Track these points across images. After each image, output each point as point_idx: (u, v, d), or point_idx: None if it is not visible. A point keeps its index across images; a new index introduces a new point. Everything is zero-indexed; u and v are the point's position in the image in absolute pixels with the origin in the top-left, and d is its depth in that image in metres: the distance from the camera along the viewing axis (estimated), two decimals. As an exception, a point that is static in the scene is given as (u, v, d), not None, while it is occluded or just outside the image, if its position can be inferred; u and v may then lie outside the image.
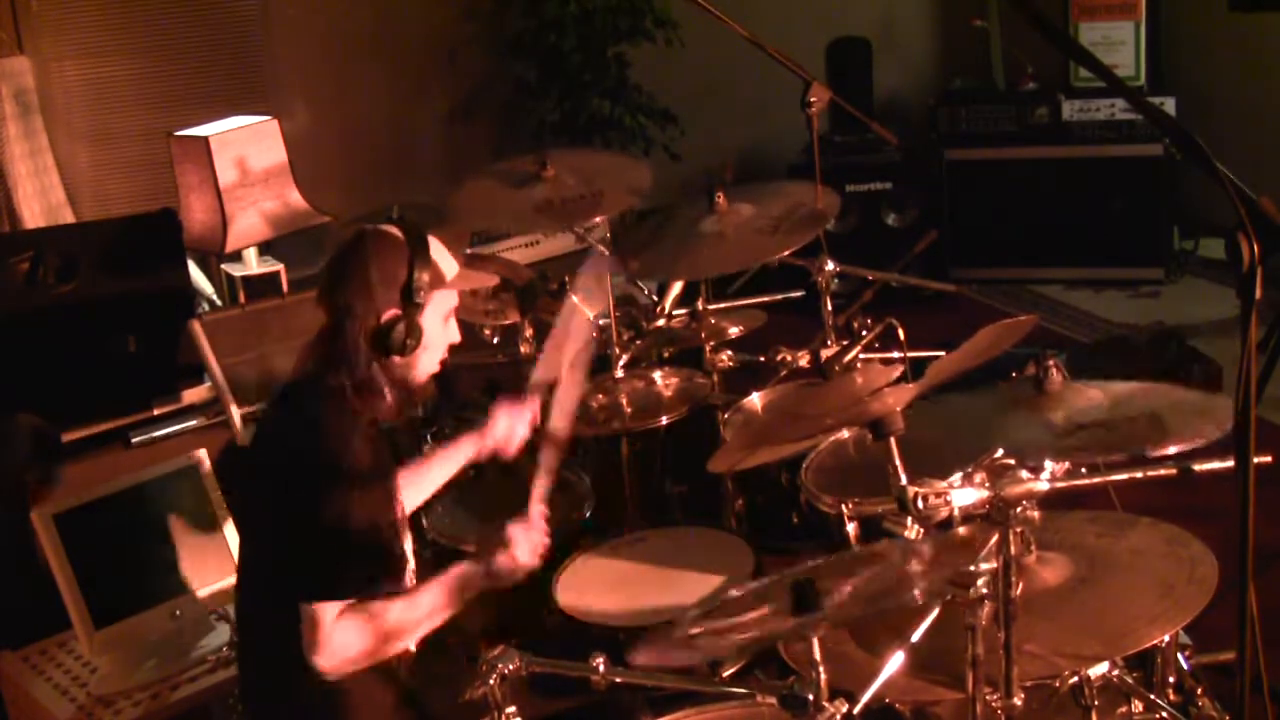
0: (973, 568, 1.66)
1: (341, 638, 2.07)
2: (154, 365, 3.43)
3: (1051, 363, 2.03)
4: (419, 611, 2.16)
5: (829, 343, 2.87)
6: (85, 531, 2.69)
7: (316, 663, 2.07)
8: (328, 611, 2.06)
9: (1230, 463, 1.47)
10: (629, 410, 2.98)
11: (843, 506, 2.47)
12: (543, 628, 2.62)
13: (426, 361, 2.27)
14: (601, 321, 3.08)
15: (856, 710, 1.81)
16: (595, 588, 2.59)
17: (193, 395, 3.46)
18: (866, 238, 5.47)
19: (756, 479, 3.03)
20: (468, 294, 3.34)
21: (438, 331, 2.27)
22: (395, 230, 2.24)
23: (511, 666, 1.90)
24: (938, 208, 5.70)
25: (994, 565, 1.71)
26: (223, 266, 4.09)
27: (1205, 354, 4.55)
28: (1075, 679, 1.95)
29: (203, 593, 2.78)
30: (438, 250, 2.26)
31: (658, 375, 3.12)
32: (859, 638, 1.94)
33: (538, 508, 2.33)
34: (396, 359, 2.21)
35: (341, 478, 2.11)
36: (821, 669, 1.77)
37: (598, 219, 3.26)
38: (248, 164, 3.95)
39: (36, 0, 4.86)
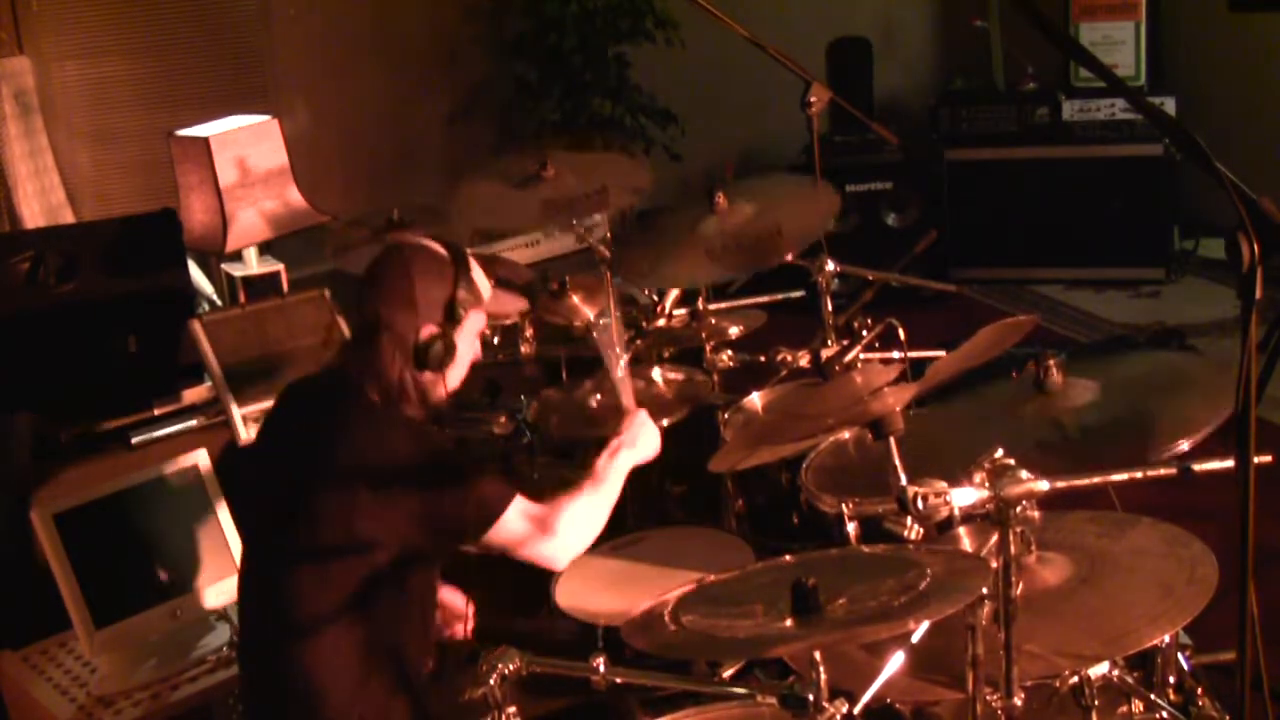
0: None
1: (564, 524, 2.29)
2: (154, 365, 3.43)
3: (1051, 362, 2.02)
4: (604, 485, 2.40)
5: (829, 343, 2.87)
6: (85, 531, 2.69)
7: (551, 558, 2.30)
8: (518, 508, 2.25)
9: (1230, 463, 1.47)
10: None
11: (843, 506, 2.47)
12: (543, 628, 2.62)
13: (453, 378, 2.32)
14: (602, 321, 3.08)
15: (857, 710, 1.81)
16: (595, 588, 2.59)
17: (193, 395, 3.46)
18: (866, 238, 5.47)
19: (756, 479, 3.02)
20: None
21: (468, 349, 2.33)
22: (440, 247, 2.29)
23: (511, 666, 1.90)
24: (938, 208, 5.70)
25: (994, 565, 1.71)
26: (223, 266, 4.08)
27: (1206, 354, 4.55)
28: (1075, 679, 1.94)
29: (203, 593, 2.78)
30: (476, 270, 2.32)
31: (658, 375, 3.12)
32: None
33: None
34: (428, 374, 2.26)
35: (425, 446, 2.23)
36: (821, 669, 1.77)
37: (598, 216, 3.25)
38: (248, 164, 3.95)
39: (36, 0, 4.86)
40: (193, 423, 3.40)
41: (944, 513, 1.71)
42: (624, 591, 2.55)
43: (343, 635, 2.17)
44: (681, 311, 3.31)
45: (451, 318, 2.24)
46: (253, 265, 4.02)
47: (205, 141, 3.86)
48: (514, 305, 2.97)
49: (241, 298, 3.94)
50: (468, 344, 2.31)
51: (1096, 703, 1.94)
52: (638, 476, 2.59)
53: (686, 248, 2.98)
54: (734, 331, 3.26)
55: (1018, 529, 1.72)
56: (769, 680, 2.25)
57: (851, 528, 2.44)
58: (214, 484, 2.86)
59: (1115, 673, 1.99)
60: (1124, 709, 2.07)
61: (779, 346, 2.99)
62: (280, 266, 4.03)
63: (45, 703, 2.70)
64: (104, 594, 2.68)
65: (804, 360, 2.92)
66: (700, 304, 3.30)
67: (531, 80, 5.75)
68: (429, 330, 2.23)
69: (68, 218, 4.65)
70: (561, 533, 2.31)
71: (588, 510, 2.37)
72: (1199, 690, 2.22)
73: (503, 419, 3.14)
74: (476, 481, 2.24)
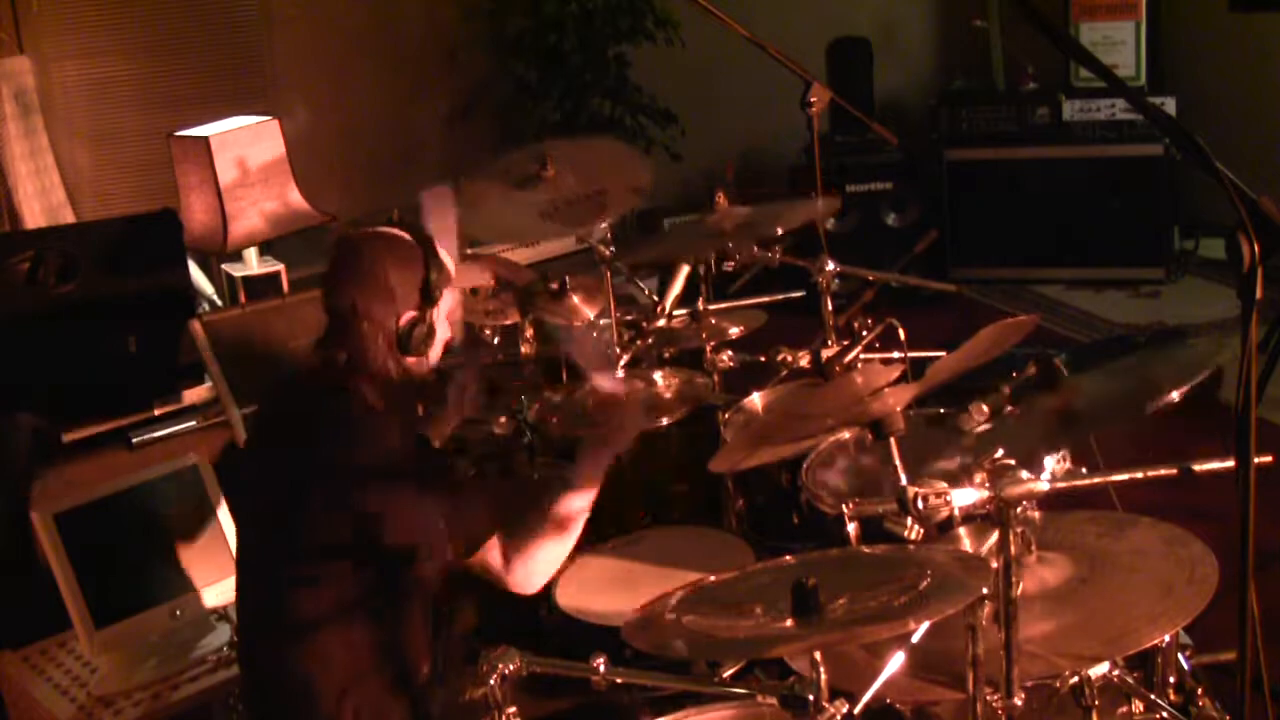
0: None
1: (536, 560, 2.29)
2: (154, 365, 3.43)
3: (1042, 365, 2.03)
4: (574, 505, 2.36)
5: (829, 343, 2.87)
6: (85, 531, 2.69)
7: (519, 588, 2.29)
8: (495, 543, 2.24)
9: (1230, 463, 1.47)
10: (629, 410, 2.97)
11: (843, 506, 2.47)
12: (542, 628, 2.62)
13: (433, 358, 2.34)
14: (602, 321, 3.08)
15: (857, 710, 1.80)
16: (595, 588, 2.59)
17: (193, 395, 3.46)
18: (866, 238, 5.47)
19: (757, 479, 3.02)
20: (467, 294, 3.35)
21: (443, 330, 2.34)
22: (403, 233, 2.30)
23: (511, 666, 1.90)
24: (938, 208, 5.71)
25: (994, 565, 1.71)
26: (223, 266, 4.08)
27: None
28: (1076, 679, 1.94)
29: (203, 593, 2.78)
30: (441, 251, 2.32)
31: (658, 375, 3.12)
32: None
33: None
34: (410, 359, 2.27)
35: (407, 462, 2.22)
36: (822, 669, 1.77)
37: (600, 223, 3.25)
38: (248, 164, 3.95)
39: (36, 0, 4.86)
40: (193, 423, 3.40)
41: (944, 513, 1.72)
42: (624, 591, 2.55)
43: (340, 635, 2.17)
44: (682, 312, 3.31)
45: (428, 300, 2.26)
46: (253, 265, 4.02)
47: (205, 141, 3.86)
48: (480, 277, 2.98)
49: (241, 298, 3.94)
50: (442, 324, 2.33)
51: (1096, 703, 1.94)
52: (638, 476, 2.60)
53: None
54: (734, 332, 3.26)
55: (1018, 529, 1.72)
56: (769, 680, 2.25)
57: (852, 528, 2.44)
58: (214, 484, 2.86)
59: (1115, 673, 1.99)
60: (1124, 709, 2.07)
61: (779, 346, 2.98)
62: (280, 266, 4.03)
63: (45, 703, 2.70)
64: (104, 594, 2.68)
65: (804, 360, 2.91)
66: (700, 304, 3.30)
67: (531, 80, 5.75)
68: (409, 315, 2.25)
69: (68, 218, 4.65)
70: (528, 563, 2.32)
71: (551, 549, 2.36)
72: (1199, 690, 2.22)
73: (503, 419, 3.14)
74: (471, 492, 2.28)
